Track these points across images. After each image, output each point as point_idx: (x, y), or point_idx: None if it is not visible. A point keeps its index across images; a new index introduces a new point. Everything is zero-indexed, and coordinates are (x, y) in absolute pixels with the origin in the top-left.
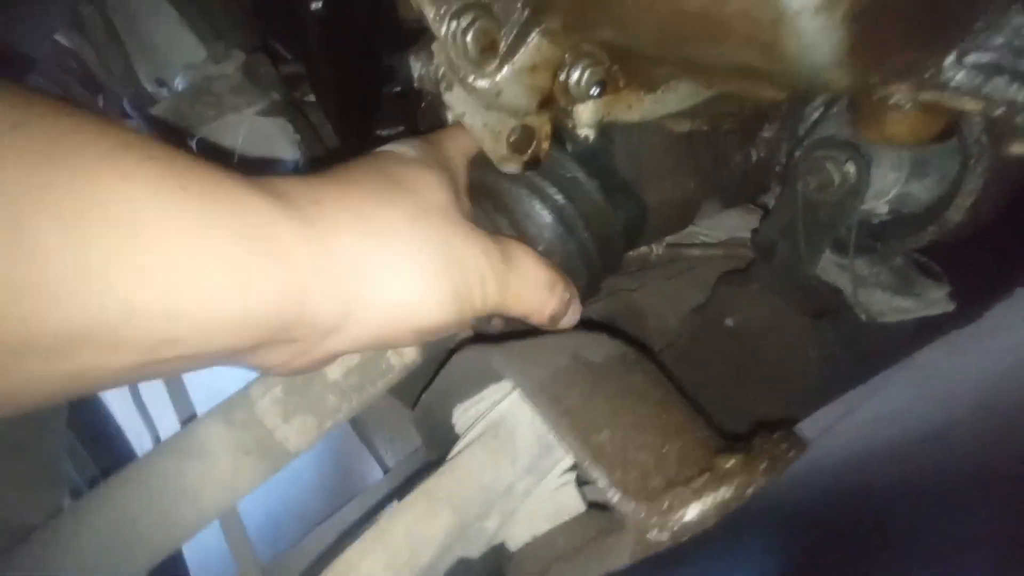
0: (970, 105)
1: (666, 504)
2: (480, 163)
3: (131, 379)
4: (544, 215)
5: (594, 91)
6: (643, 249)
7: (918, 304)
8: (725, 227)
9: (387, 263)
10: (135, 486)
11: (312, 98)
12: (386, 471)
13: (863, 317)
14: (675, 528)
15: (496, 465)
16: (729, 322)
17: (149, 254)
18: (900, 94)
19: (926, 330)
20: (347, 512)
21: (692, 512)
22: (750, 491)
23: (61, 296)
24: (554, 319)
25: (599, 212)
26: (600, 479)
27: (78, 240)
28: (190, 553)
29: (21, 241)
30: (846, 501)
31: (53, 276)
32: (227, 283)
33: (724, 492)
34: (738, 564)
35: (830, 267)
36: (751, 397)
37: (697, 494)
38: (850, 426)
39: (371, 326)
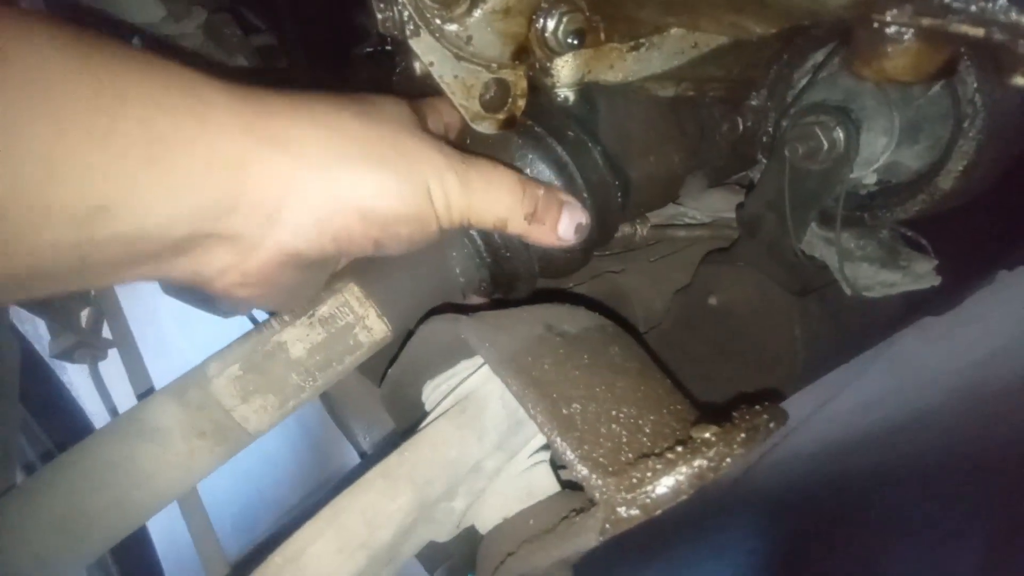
0: (972, 31)
1: (636, 478)
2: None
3: (73, 266)
4: (545, 172)
5: (572, 40)
6: (627, 230)
7: (905, 278)
8: (710, 207)
9: (328, 144)
10: (83, 468)
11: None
12: (363, 456)
13: (848, 292)
14: (646, 502)
15: (462, 441)
16: (713, 301)
17: (64, 112)
18: (901, 20)
19: (910, 309)
20: (321, 500)
21: (664, 485)
22: (727, 463)
23: None
24: (538, 219)
25: (600, 182)
26: (567, 452)
27: None
28: (161, 542)
29: None
30: (828, 486)
31: None
32: (148, 144)
33: (699, 463)
34: (723, 548)
35: (816, 241)
36: (735, 376)
37: (670, 466)
38: (829, 414)
39: (313, 204)
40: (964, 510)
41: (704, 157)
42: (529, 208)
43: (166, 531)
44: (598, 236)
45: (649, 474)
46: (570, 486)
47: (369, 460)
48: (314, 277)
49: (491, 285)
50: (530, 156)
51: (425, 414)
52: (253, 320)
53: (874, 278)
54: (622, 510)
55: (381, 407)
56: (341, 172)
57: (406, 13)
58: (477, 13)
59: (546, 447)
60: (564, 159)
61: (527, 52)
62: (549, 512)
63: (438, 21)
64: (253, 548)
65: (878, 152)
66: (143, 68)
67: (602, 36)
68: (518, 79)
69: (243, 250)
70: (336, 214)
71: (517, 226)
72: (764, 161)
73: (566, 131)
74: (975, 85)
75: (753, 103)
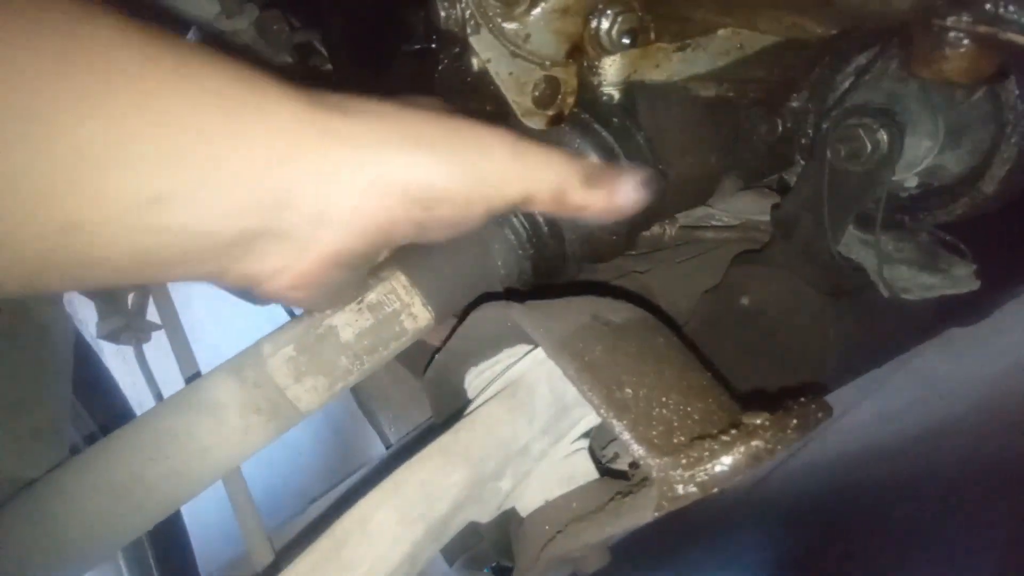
0: (1021, 40)
1: (693, 456)
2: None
3: (128, 256)
4: (592, 158)
5: (625, 40)
6: (656, 230)
7: (944, 281)
8: (739, 210)
9: (372, 131)
10: (143, 439)
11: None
12: (388, 447)
13: (886, 294)
14: (704, 479)
15: (514, 423)
16: (744, 301)
17: (124, 97)
18: (959, 25)
19: (945, 315)
20: (347, 488)
21: (723, 463)
22: (782, 447)
23: (34, 136)
24: (598, 184)
25: (647, 165)
26: (624, 433)
27: (53, 79)
28: (192, 522)
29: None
30: (844, 498)
31: (24, 115)
32: (205, 134)
33: (756, 444)
34: (735, 557)
35: (853, 243)
36: (765, 377)
37: (727, 446)
38: (848, 425)
39: (357, 193)
40: (983, 524)
41: (740, 158)
42: (586, 172)
43: (194, 513)
44: (643, 219)
45: (706, 453)
46: (608, 474)
47: (399, 452)
48: (358, 275)
49: (532, 276)
50: (578, 142)
51: (467, 400)
52: (289, 311)
53: (913, 280)
54: (679, 487)
55: (408, 398)
56: (382, 155)
57: (468, 11)
58: (536, 12)
59: (587, 434)
60: (611, 143)
61: (580, 51)
62: (590, 496)
63: (499, 19)
64: (283, 525)
65: (921, 155)
66: (204, 61)
67: (652, 36)
68: (569, 77)
69: (297, 250)
70: (378, 198)
71: (575, 194)
72: (801, 163)
73: (612, 119)
74: (1017, 91)
75: (793, 105)
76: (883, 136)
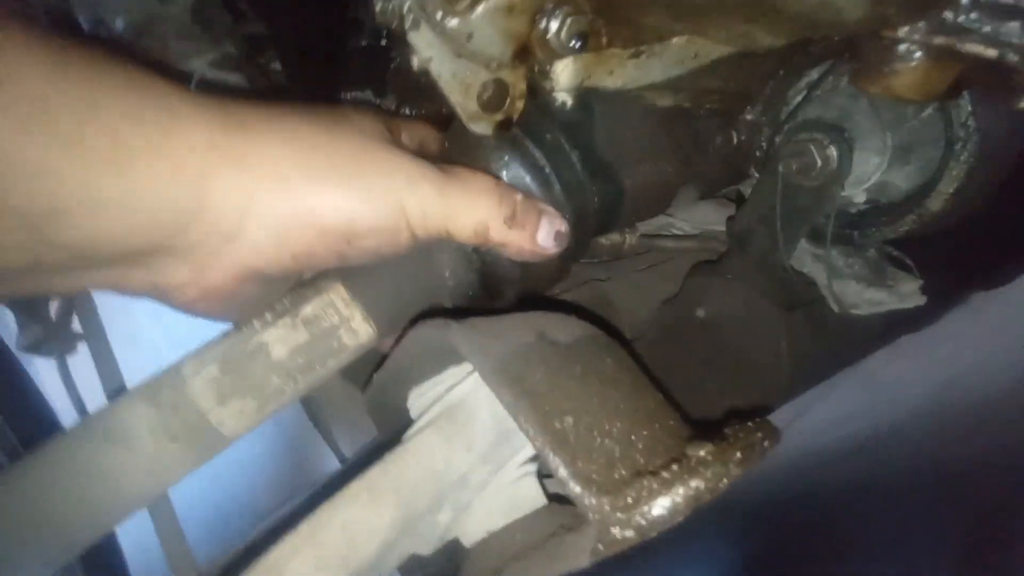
0: (984, 52)
1: (631, 497)
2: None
3: (27, 268)
4: (521, 175)
5: (575, 43)
6: (615, 238)
7: (891, 297)
8: (699, 219)
9: (293, 159)
10: (47, 472)
11: (275, 67)
12: (343, 462)
13: (836, 309)
14: (642, 523)
15: (450, 452)
16: (700, 313)
17: (27, 112)
18: (913, 36)
19: (895, 326)
20: (298, 507)
21: (660, 506)
22: (724, 483)
23: None
24: (517, 224)
25: (578, 186)
26: (560, 469)
27: None
28: (130, 548)
29: None
30: (801, 498)
31: None
32: (111, 151)
33: (696, 484)
34: (699, 557)
35: (805, 257)
36: (720, 389)
37: (667, 485)
38: (802, 427)
39: (273, 221)
40: (936, 524)
41: (697, 169)
42: (508, 212)
43: (135, 536)
44: (575, 244)
45: (645, 493)
46: (556, 499)
47: (349, 469)
48: (275, 290)
49: (480, 289)
50: (506, 157)
51: (410, 421)
52: None
53: (861, 296)
54: (616, 531)
55: (362, 412)
56: (303, 187)
57: (406, 5)
58: (480, 9)
59: (533, 459)
60: (541, 162)
61: (528, 53)
62: (536, 527)
63: (440, 15)
64: (224, 556)
65: (870, 171)
66: (117, 76)
67: (604, 41)
68: (517, 80)
69: (202, 266)
70: (295, 231)
71: (497, 232)
72: (756, 175)
73: (544, 134)
74: (969, 109)
75: (748, 117)
76: (832, 152)
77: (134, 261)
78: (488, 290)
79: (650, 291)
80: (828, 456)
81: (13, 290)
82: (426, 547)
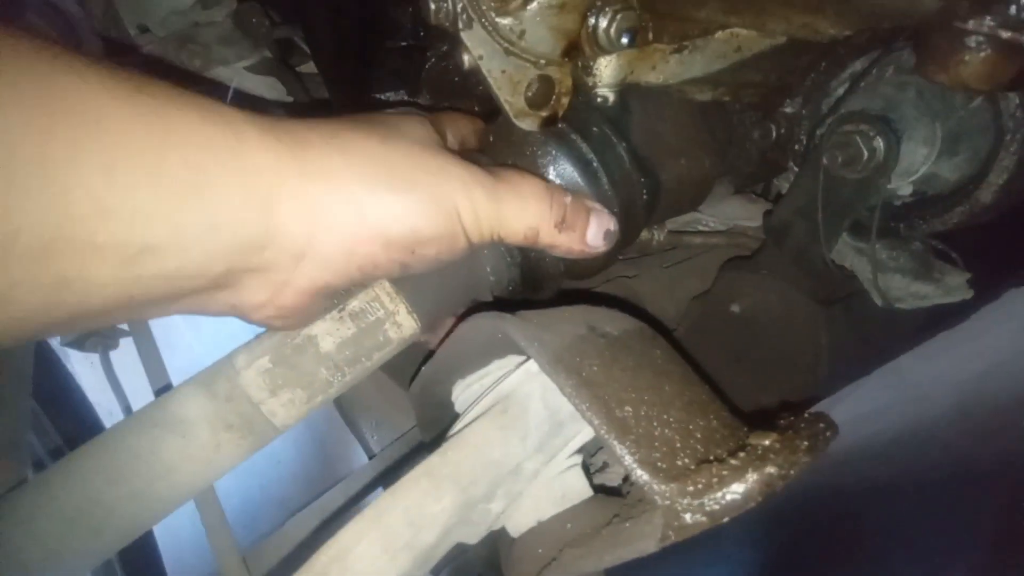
0: None
1: (701, 483)
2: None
3: (120, 304)
4: (569, 170)
5: (624, 40)
6: (644, 235)
7: (937, 290)
8: (727, 215)
9: (354, 173)
10: (104, 459)
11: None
12: (371, 457)
13: (879, 303)
14: (715, 508)
15: (505, 442)
16: (735, 308)
17: (113, 150)
18: (980, 29)
19: (932, 323)
20: (329, 499)
21: (735, 491)
22: (795, 471)
23: (31, 191)
24: (567, 227)
25: (625, 179)
26: (624, 456)
27: (42, 132)
28: (163, 539)
29: None
30: (823, 498)
31: (21, 171)
32: (192, 182)
33: (769, 471)
34: (717, 558)
35: (846, 250)
36: (753, 385)
37: (738, 472)
38: None
39: (340, 235)
40: (960, 524)
41: (733, 163)
42: (558, 216)
43: (167, 530)
44: (624, 237)
45: (715, 480)
46: (602, 491)
47: (377, 460)
48: (340, 299)
49: (520, 285)
50: (554, 152)
51: (454, 413)
52: None
53: (906, 290)
54: (687, 516)
55: (391, 407)
56: (366, 200)
57: (460, 5)
58: (532, 7)
59: (580, 449)
60: (588, 156)
61: (576, 50)
62: (586, 517)
63: (492, 14)
64: (261, 544)
65: (918, 163)
66: (185, 105)
67: (650, 36)
68: (564, 77)
69: (277, 285)
70: (360, 243)
71: (547, 235)
72: (794, 169)
73: (591, 128)
74: (1018, 100)
75: (787, 110)
76: (880, 143)
77: (216, 287)
78: (529, 284)
79: (678, 288)
80: (851, 456)
81: (106, 324)
82: (475, 536)
